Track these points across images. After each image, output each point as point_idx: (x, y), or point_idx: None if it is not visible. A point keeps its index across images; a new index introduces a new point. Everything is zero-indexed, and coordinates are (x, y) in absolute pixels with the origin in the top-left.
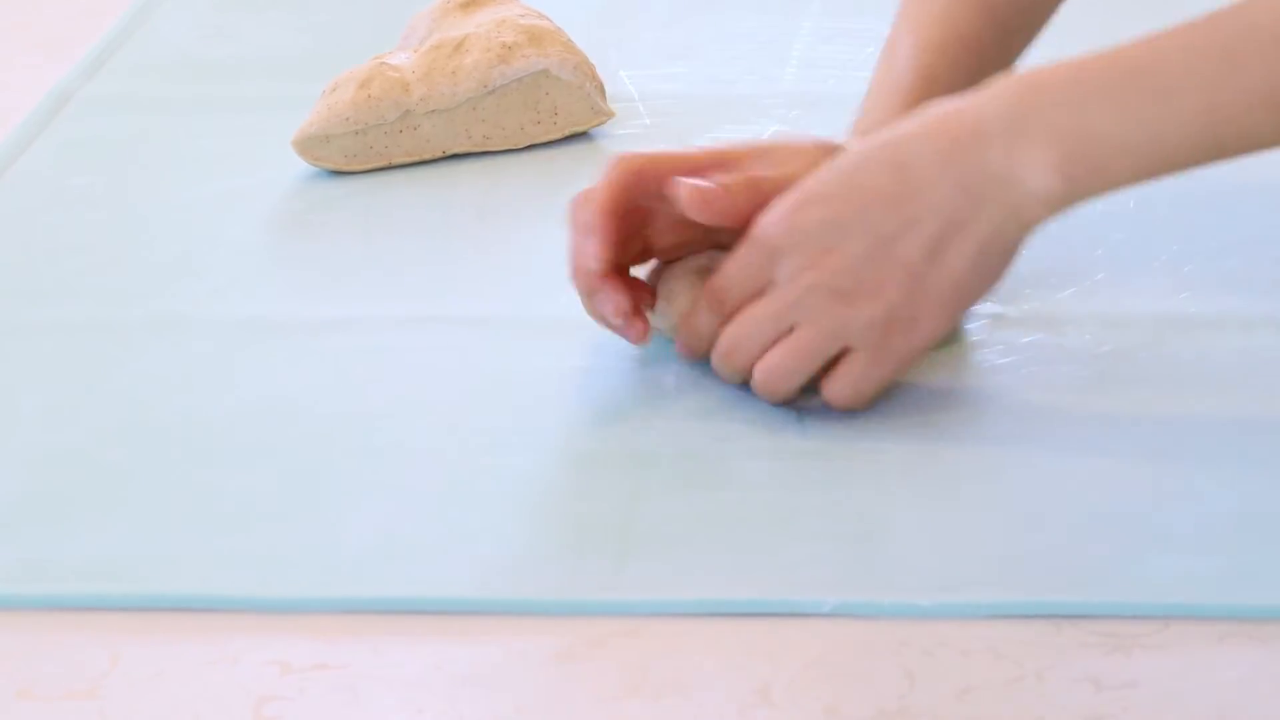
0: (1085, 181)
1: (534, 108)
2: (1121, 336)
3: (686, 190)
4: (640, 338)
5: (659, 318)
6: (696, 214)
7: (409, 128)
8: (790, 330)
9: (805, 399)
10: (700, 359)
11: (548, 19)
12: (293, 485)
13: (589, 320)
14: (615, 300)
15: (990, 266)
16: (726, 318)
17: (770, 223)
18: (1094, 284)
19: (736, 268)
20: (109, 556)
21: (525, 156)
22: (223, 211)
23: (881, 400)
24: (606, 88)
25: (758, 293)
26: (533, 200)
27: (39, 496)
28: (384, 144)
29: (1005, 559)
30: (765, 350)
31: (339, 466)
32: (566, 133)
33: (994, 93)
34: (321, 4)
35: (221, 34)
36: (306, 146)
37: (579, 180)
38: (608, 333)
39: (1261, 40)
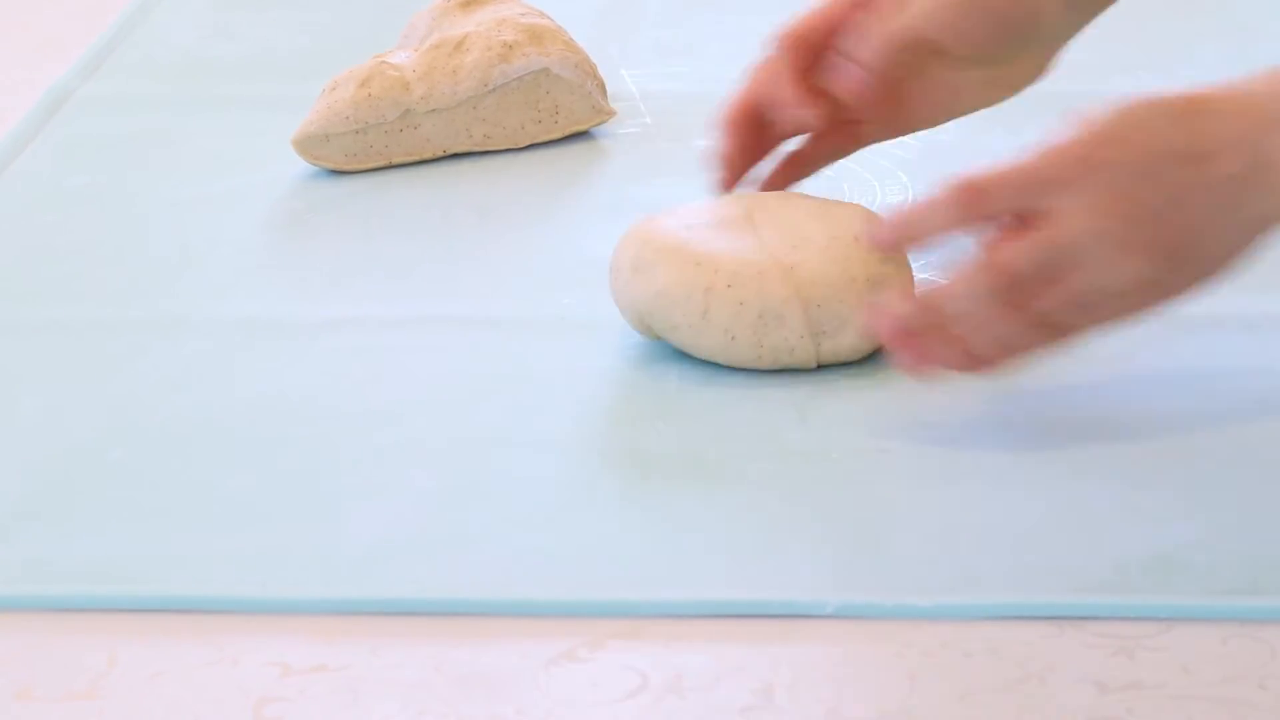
0: None
1: (534, 106)
2: (1123, 336)
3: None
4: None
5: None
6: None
7: (409, 127)
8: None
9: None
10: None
11: (548, 17)
12: (293, 485)
13: (590, 320)
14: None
15: (1247, 249)
16: (977, 214)
17: (1066, 158)
18: None
19: (1010, 171)
20: (108, 557)
21: (526, 156)
22: (222, 211)
23: (883, 400)
24: (607, 86)
25: (1021, 215)
26: (533, 200)
27: (38, 496)
28: (384, 143)
29: (1007, 560)
30: (1032, 283)
31: (339, 466)
32: (567, 132)
33: (1266, 84)
34: (321, 3)
35: (221, 33)
36: (306, 146)
37: (580, 179)
38: (608, 333)
39: None
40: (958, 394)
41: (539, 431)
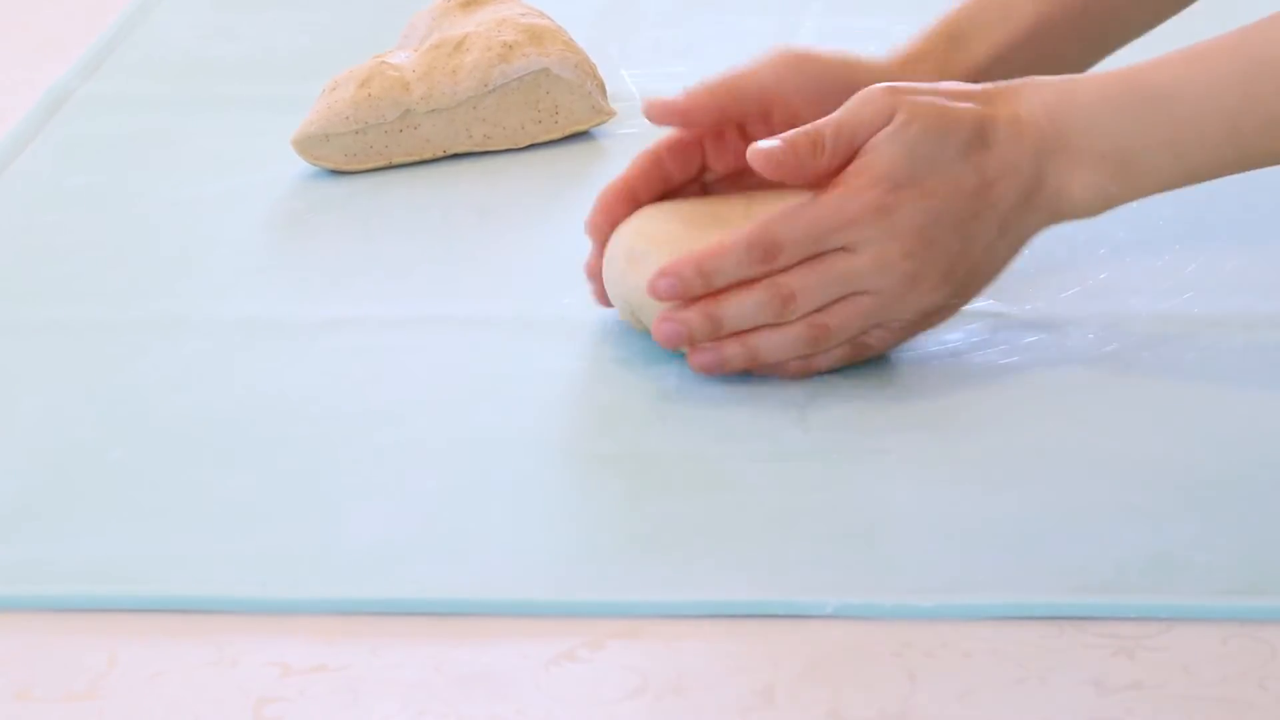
0: (1118, 196)
1: (534, 107)
2: (1124, 337)
3: (647, 104)
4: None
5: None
6: (659, 119)
7: (409, 127)
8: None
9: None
10: (687, 298)
11: (548, 18)
12: (293, 485)
13: (590, 320)
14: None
15: (1010, 262)
16: (772, 268)
17: (864, 196)
18: (1096, 284)
19: (805, 225)
20: (108, 557)
21: (526, 156)
22: (222, 211)
23: (883, 400)
24: (607, 86)
25: (817, 251)
26: (533, 200)
27: (38, 496)
28: (384, 143)
29: (1007, 560)
30: (819, 309)
31: (339, 466)
32: (567, 132)
33: (1038, 109)
34: (321, 3)
35: (221, 33)
36: (306, 146)
37: (580, 179)
38: (608, 333)
39: (1275, 70)
40: (958, 395)
41: (539, 431)
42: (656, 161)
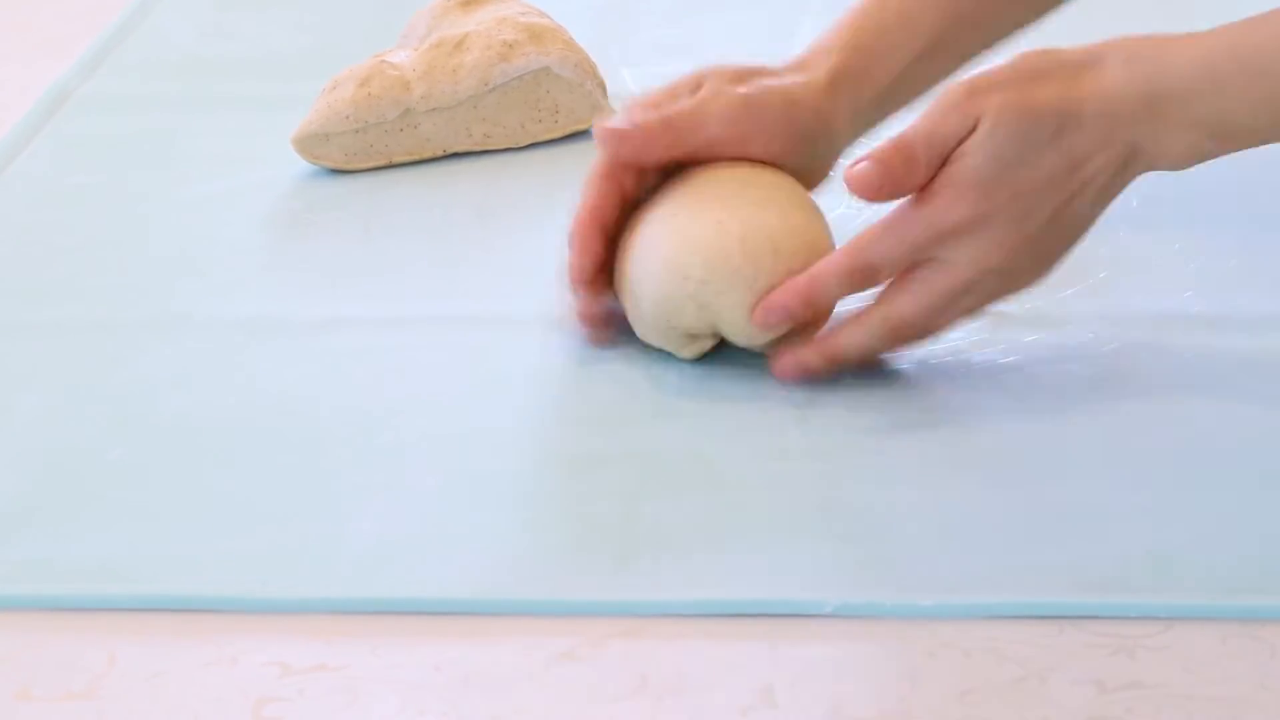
0: (1215, 154)
1: (535, 106)
2: (1124, 335)
3: (601, 132)
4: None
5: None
6: (613, 153)
7: (409, 126)
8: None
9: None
10: (792, 323)
11: (548, 17)
12: (292, 485)
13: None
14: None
15: (1105, 210)
16: (872, 286)
17: (955, 208)
18: (1097, 282)
19: (899, 244)
20: (108, 556)
21: (526, 155)
22: (222, 210)
23: (883, 400)
24: (607, 85)
25: (914, 266)
26: (534, 199)
27: (38, 496)
28: (384, 142)
29: (1008, 559)
30: (938, 324)
31: (339, 466)
32: (567, 131)
33: (1131, 75)
34: (321, 2)
35: (221, 32)
36: (306, 145)
37: (580, 178)
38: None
39: None
40: (958, 395)
41: (538, 431)
42: (611, 180)
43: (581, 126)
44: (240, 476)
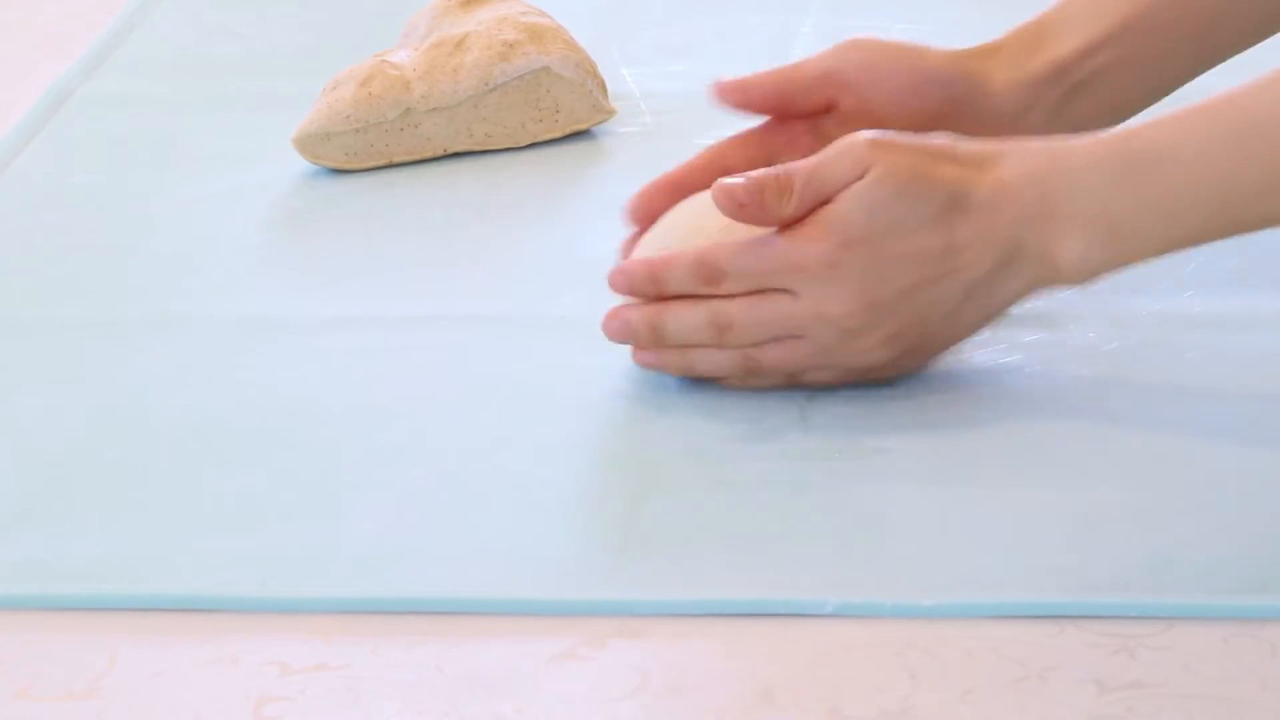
0: (1108, 263)
1: (535, 105)
2: (1125, 335)
3: (715, 88)
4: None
5: None
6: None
7: (410, 126)
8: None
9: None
10: (636, 296)
11: (549, 16)
12: (292, 485)
13: (590, 320)
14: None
15: (986, 325)
16: (714, 291)
17: (814, 247)
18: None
19: (753, 261)
20: (108, 557)
21: (526, 155)
22: (223, 210)
23: (883, 400)
24: (608, 85)
25: (762, 287)
26: (534, 199)
27: (38, 496)
28: (384, 142)
29: (1008, 559)
30: (757, 344)
31: (339, 466)
32: (568, 131)
33: (1025, 173)
34: (321, 2)
35: (221, 31)
36: (307, 144)
37: (580, 178)
38: None
39: (1269, 129)
40: (958, 394)
41: (538, 431)
42: (718, 155)
43: (582, 126)
44: (240, 476)
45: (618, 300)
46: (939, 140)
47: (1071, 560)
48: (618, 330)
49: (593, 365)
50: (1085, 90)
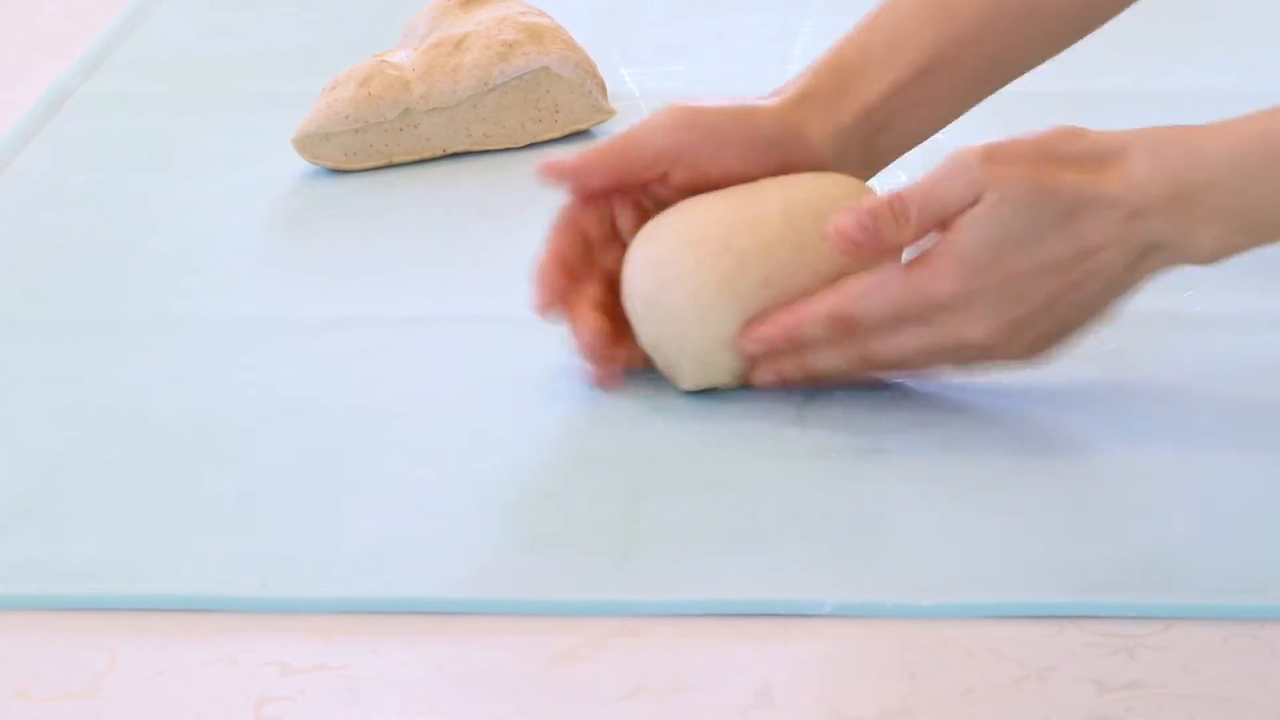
0: (1242, 247)
1: (535, 106)
2: (1124, 335)
3: (541, 168)
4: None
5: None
6: (558, 186)
7: (409, 126)
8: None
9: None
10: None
11: (548, 16)
12: (292, 485)
13: None
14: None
15: (1121, 301)
16: (850, 343)
17: (943, 280)
18: None
19: (885, 305)
20: (108, 557)
21: (526, 155)
22: (222, 209)
23: (883, 400)
24: (607, 85)
25: (899, 324)
26: (533, 199)
27: (38, 496)
28: (384, 142)
29: (1007, 559)
30: (913, 366)
31: (339, 466)
32: (567, 131)
33: (1157, 168)
34: (321, 2)
35: (221, 31)
36: (306, 144)
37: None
38: None
39: None
40: (958, 395)
41: (538, 431)
42: (572, 224)
43: (581, 126)
44: (240, 476)
45: None
46: (1054, 139)
47: (1071, 560)
48: (772, 383)
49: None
50: (887, 129)
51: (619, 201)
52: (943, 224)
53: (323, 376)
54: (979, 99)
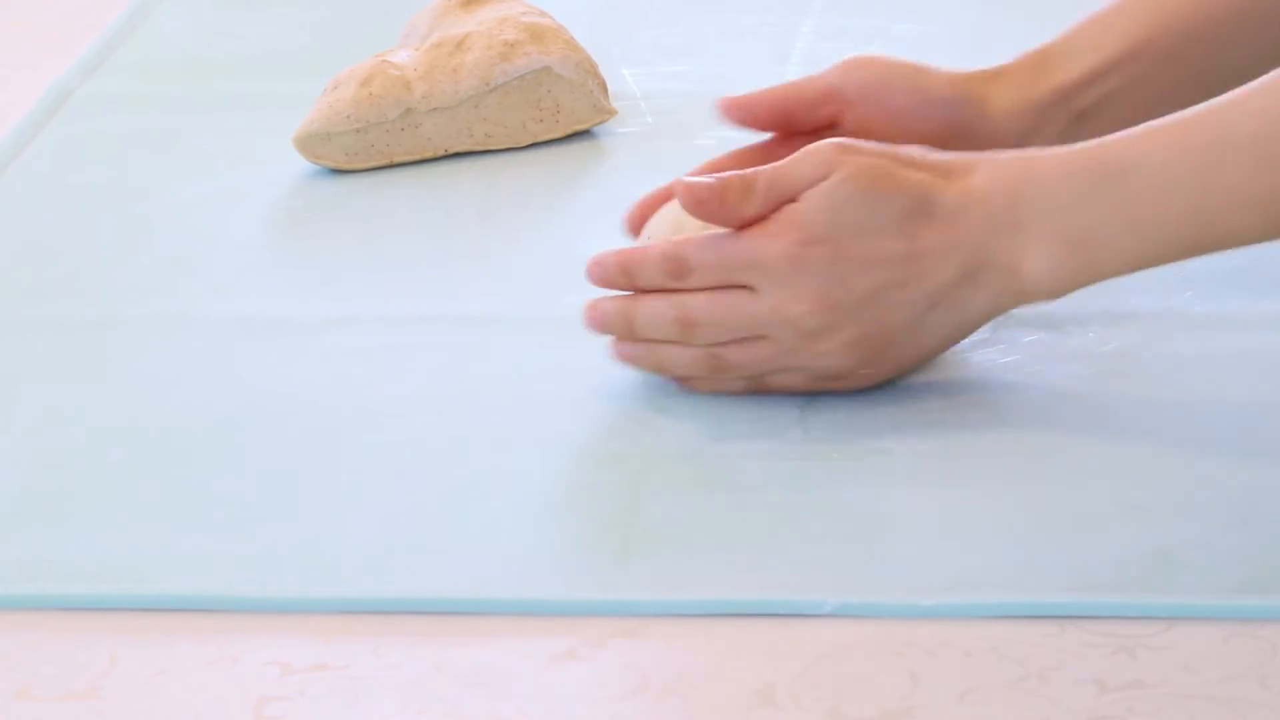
0: (1076, 278)
1: (536, 106)
2: (1124, 335)
3: (721, 103)
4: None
5: None
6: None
7: (410, 126)
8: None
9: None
10: (610, 288)
11: (549, 16)
12: (292, 485)
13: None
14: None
15: (955, 340)
16: (682, 285)
17: (775, 243)
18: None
19: (716, 255)
20: (108, 556)
21: (527, 155)
22: (223, 210)
23: (883, 400)
24: (609, 85)
25: (728, 285)
26: (535, 199)
27: (38, 496)
28: (385, 142)
29: (1008, 559)
30: (720, 343)
31: (339, 466)
32: (569, 131)
33: (995, 184)
34: (322, 1)
35: (222, 31)
36: (307, 144)
37: (581, 178)
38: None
39: (1239, 145)
40: (958, 394)
41: (538, 431)
42: (717, 167)
43: (583, 126)
44: (240, 476)
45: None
46: (908, 149)
47: (1071, 560)
48: (594, 320)
49: (592, 365)
50: (1090, 117)
51: (785, 153)
52: (788, 201)
53: (322, 376)
54: (1196, 97)
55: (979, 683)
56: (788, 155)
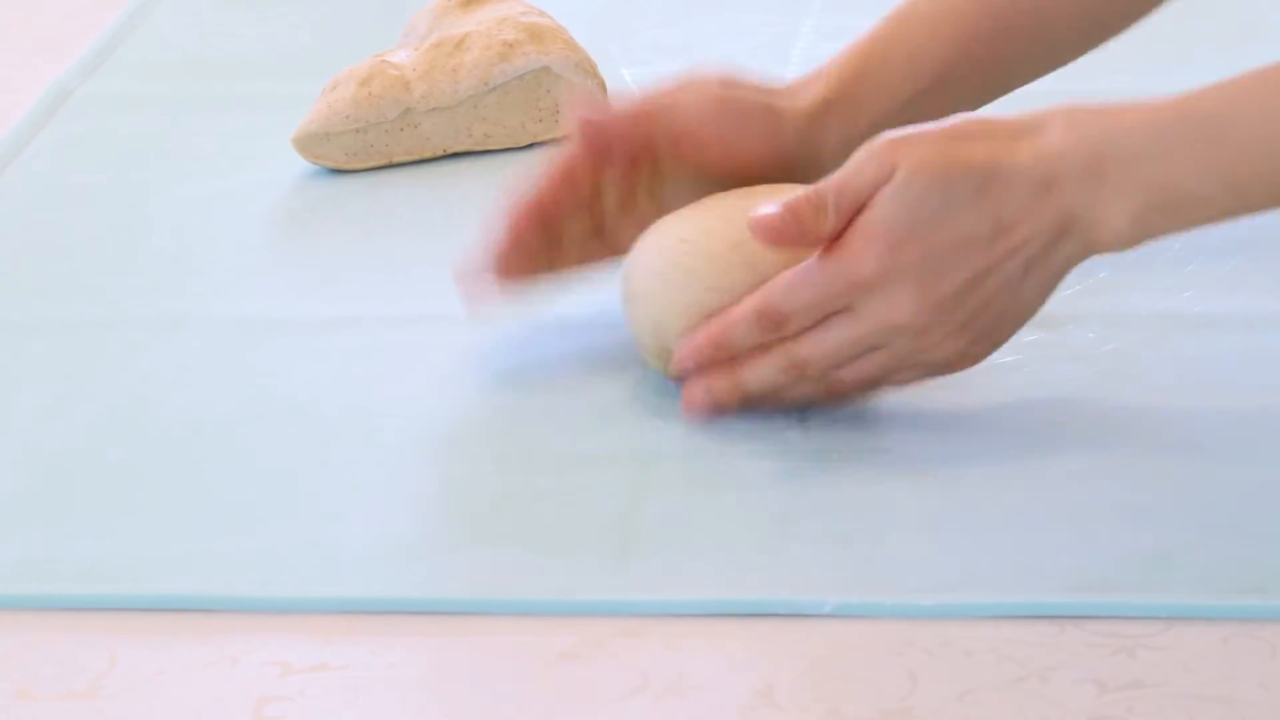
0: (1162, 226)
1: (535, 106)
2: (1124, 335)
3: (570, 117)
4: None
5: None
6: (579, 140)
7: (409, 126)
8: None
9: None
10: (705, 368)
11: (549, 16)
12: (293, 484)
13: (590, 319)
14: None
15: (1048, 296)
16: (783, 334)
17: (863, 260)
18: (1097, 282)
19: (809, 294)
20: (108, 556)
21: (526, 155)
22: (222, 209)
23: (883, 400)
24: (608, 85)
25: (826, 316)
26: None
27: (38, 496)
28: (384, 142)
29: (1008, 559)
30: (837, 368)
31: (339, 466)
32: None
33: (1073, 138)
34: (321, 2)
35: (221, 31)
36: (307, 144)
37: None
38: (608, 332)
39: None
40: (958, 394)
41: (538, 431)
42: (569, 179)
43: None
44: (240, 476)
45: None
46: (965, 122)
47: (1071, 560)
48: (705, 407)
49: (592, 365)
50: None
51: (622, 167)
52: (860, 209)
53: (322, 376)
54: (979, 109)
55: (978, 683)
56: (595, 174)
